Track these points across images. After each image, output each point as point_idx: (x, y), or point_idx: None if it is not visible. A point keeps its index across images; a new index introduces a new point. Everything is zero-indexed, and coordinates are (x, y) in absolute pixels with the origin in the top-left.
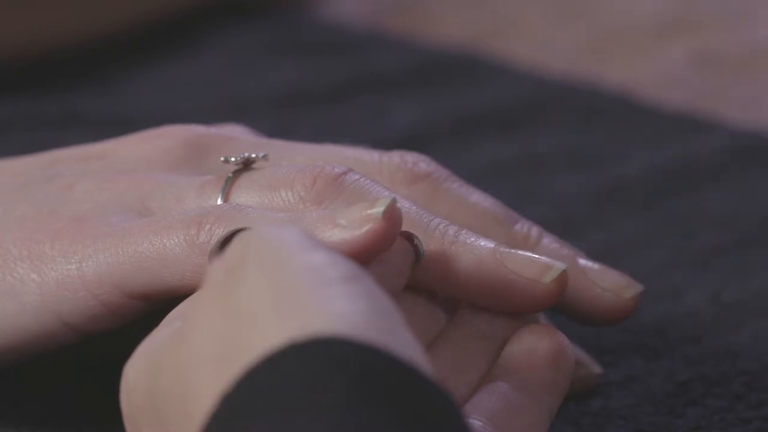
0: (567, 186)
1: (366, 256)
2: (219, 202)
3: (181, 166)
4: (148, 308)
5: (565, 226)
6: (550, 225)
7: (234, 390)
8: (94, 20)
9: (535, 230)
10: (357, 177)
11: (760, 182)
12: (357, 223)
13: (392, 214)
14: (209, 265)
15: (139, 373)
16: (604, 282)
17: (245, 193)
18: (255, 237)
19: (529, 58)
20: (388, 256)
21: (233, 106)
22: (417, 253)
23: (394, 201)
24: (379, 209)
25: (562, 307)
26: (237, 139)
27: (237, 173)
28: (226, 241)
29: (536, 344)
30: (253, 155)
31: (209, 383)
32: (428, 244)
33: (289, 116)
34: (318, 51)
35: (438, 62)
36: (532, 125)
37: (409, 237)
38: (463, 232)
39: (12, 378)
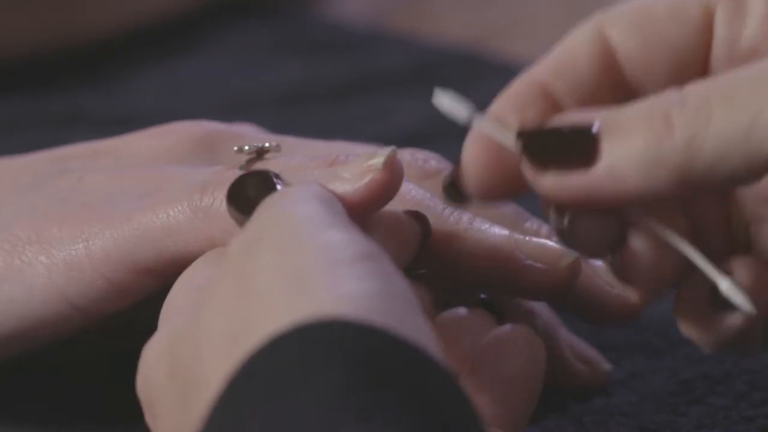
0: None
1: (369, 206)
2: None
3: (189, 160)
4: (155, 286)
5: None
6: None
7: (237, 374)
8: (97, 19)
9: (545, 228)
10: None
11: None
12: (359, 174)
13: (392, 164)
14: (232, 236)
15: (160, 354)
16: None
17: None
18: (274, 213)
19: (532, 57)
20: (394, 229)
21: (236, 104)
22: (425, 227)
23: (393, 152)
24: (379, 159)
25: (571, 304)
26: (247, 135)
27: (250, 162)
28: (240, 185)
29: (508, 343)
30: (266, 145)
31: (218, 362)
32: (442, 227)
33: (293, 114)
34: (321, 49)
35: (441, 61)
36: None
37: (417, 215)
38: (477, 219)
39: (16, 377)
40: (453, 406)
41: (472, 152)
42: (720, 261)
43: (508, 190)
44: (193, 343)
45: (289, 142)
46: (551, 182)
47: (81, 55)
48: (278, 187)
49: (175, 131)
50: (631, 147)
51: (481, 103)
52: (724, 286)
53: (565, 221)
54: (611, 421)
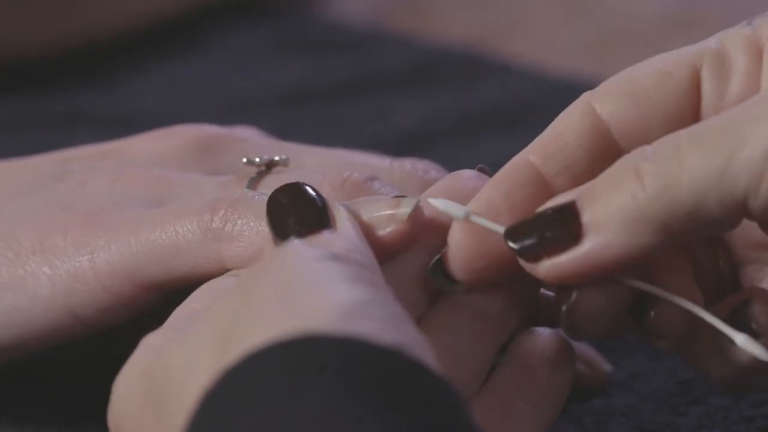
0: None
1: (388, 253)
2: None
3: (191, 163)
4: (159, 299)
5: None
6: None
7: (216, 386)
8: (97, 19)
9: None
10: (381, 184)
11: None
12: (382, 221)
13: (417, 217)
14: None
15: (135, 379)
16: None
17: None
18: (283, 247)
19: (532, 57)
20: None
21: (236, 104)
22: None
23: (418, 203)
24: (405, 210)
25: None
26: (249, 140)
27: (261, 175)
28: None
29: (536, 349)
30: (276, 158)
31: (202, 370)
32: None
33: (293, 114)
34: (321, 49)
35: (441, 61)
36: (535, 123)
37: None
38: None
39: (16, 378)
40: (448, 408)
41: (458, 237)
42: (711, 302)
43: (494, 274)
44: (182, 350)
45: (288, 148)
46: (546, 269)
47: (81, 55)
48: (312, 193)
49: (177, 134)
50: (609, 209)
51: (483, 102)
52: (740, 340)
53: (568, 303)
54: (611, 421)
